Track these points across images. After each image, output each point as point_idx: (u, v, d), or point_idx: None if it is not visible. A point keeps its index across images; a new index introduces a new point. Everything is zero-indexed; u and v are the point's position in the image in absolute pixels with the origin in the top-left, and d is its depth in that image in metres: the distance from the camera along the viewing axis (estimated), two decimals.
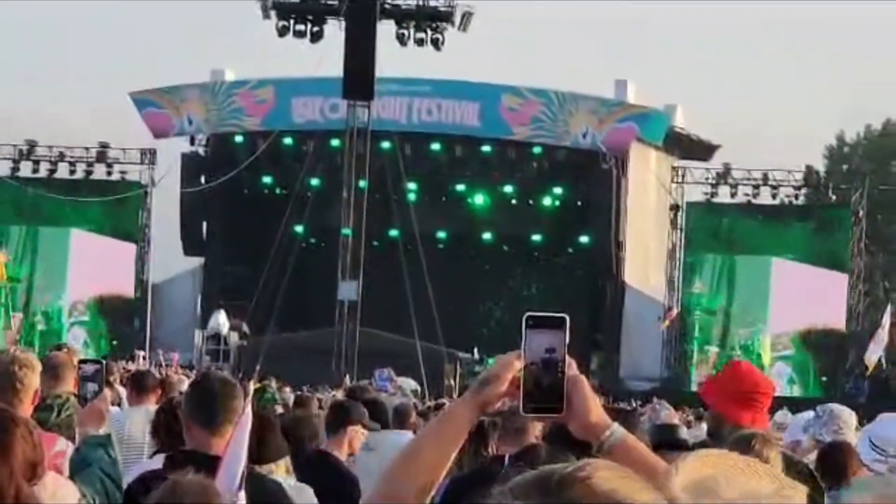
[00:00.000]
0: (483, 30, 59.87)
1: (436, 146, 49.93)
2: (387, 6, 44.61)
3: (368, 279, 43.82)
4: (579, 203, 50.22)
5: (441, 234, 50.83)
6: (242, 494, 4.44)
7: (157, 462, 5.60)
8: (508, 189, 50.73)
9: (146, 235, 49.81)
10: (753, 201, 47.26)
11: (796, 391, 44.32)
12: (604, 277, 49.98)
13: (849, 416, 7.64)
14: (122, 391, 11.55)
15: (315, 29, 45.62)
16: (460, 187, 51.01)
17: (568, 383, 2.71)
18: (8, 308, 47.81)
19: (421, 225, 45.38)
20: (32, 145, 49.27)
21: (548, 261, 51.86)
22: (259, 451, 5.68)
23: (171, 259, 51.37)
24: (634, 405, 27.27)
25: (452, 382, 40.18)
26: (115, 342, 48.27)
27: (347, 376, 36.31)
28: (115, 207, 48.96)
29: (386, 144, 46.97)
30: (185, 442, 5.49)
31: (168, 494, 4.03)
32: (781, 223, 46.84)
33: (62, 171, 49.30)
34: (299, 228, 47.69)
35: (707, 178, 48.26)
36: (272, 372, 29.41)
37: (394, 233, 46.83)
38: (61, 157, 49.26)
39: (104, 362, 7.80)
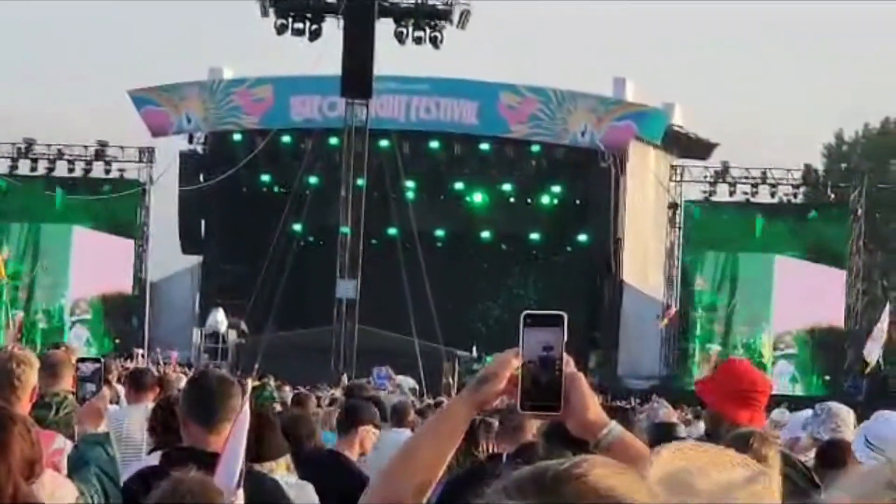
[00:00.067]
0: (481, 28, 59.92)
1: (434, 144, 49.91)
2: (385, 4, 44.61)
3: (367, 277, 43.81)
4: (578, 201, 50.21)
5: (439, 233, 50.82)
6: (241, 493, 4.44)
7: (155, 459, 5.60)
8: (507, 187, 50.71)
9: (144, 233, 49.78)
10: (752, 200, 47.26)
11: (799, 390, 44.07)
12: (602, 276, 49.99)
13: (847, 414, 7.64)
14: (121, 389, 11.55)
15: (313, 27, 45.61)
16: (459, 186, 51.00)
17: (566, 381, 2.71)
18: (8, 306, 47.76)
19: (419, 223, 45.40)
20: (30, 143, 49.24)
21: (546, 259, 51.85)
22: (258, 450, 5.69)
23: (169, 257, 51.36)
24: (634, 404, 27.29)
25: (451, 381, 40.17)
26: (117, 340, 48.23)
27: (345, 375, 36.31)
28: (114, 205, 48.92)
29: (384, 143, 46.98)
30: (183, 439, 5.50)
31: (170, 492, 4.03)
32: (780, 222, 46.83)
33: (60, 170, 49.26)
34: (297, 227, 47.70)
35: (705, 177, 48.26)
36: (270, 370, 29.41)
37: (392, 231, 46.84)
38: (59, 155, 49.23)
39: (102, 361, 7.80)
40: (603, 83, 51.10)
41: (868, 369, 35.80)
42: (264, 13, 45.75)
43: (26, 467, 4.65)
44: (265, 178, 51.37)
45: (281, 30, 45.76)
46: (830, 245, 46.60)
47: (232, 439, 4.56)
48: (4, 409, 4.92)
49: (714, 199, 47.74)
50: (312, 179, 48.72)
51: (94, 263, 47.77)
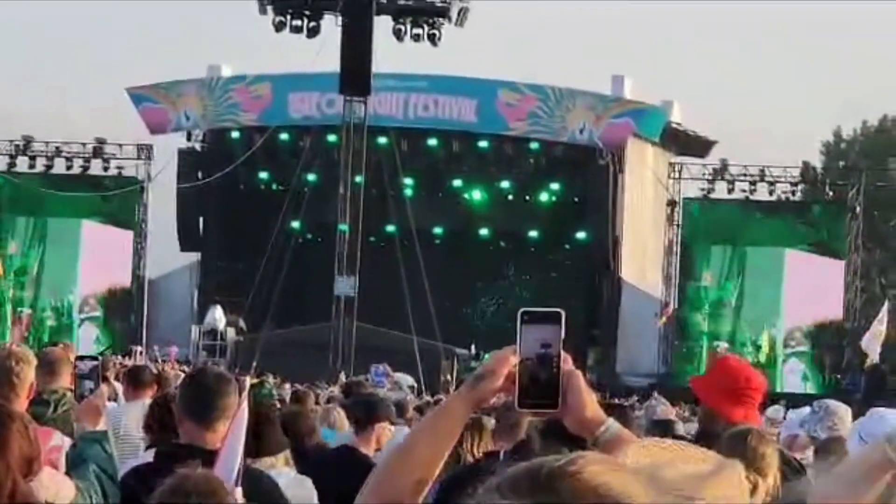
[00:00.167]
0: (480, 25, 59.85)
1: (432, 142, 49.89)
2: (383, 2, 44.56)
3: (365, 275, 43.78)
4: (576, 199, 50.19)
5: (438, 230, 50.79)
6: (239, 490, 4.44)
7: (151, 456, 5.61)
8: (505, 185, 50.69)
9: (143, 231, 49.74)
10: (750, 197, 47.25)
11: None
12: (601, 273, 49.98)
13: (845, 412, 7.65)
14: (119, 386, 11.55)
15: (312, 24, 45.57)
16: (457, 183, 50.98)
17: (563, 378, 2.71)
18: (14, 303, 47.62)
19: (418, 220, 45.40)
20: (29, 141, 49.20)
21: (544, 257, 51.81)
22: (258, 445, 5.70)
23: (167, 254, 51.32)
24: (633, 401, 27.29)
25: (449, 378, 40.19)
26: (125, 337, 48.06)
27: (343, 372, 36.33)
28: (112, 203, 48.90)
29: (382, 140, 46.96)
30: (179, 436, 5.51)
31: (175, 488, 4.01)
32: (778, 219, 46.80)
33: (59, 167, 49.22)
34: (296, 224, 47.69)
35: (704, 174, 48.26)
36: (269, 368, 29.43)
37: (390, 228, 46.81)
38: (58, 152, 49.19)
39: (101, 358, 7.81)
40: (601, 81, 51.14)
41: (866, 364, 35.82)
42: (263, 11, 45.72)
43: (25, 465, 4.65)
44: (263, 175, 51.35)
45: (279, 27, 45.72)
46: (829, 243, 46.59)
47: (230, 436, 4.56)
48: (3, 407, 4.93)
49: (712, 196, 47.74)
50: (311, 177, 48.69)
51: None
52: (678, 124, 52.20)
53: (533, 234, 51.32)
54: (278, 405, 14.21)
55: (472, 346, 44.42)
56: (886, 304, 36.44)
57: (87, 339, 46.78)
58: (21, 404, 6.06)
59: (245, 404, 4.68)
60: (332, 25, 44.62)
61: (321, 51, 44.47)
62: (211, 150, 51.30)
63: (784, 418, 15.17)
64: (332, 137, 47.76)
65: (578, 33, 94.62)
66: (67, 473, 5.52)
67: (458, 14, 45.24)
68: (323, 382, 29.59)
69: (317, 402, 15.33)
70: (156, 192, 49.82)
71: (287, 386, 22.65)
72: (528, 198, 50.75)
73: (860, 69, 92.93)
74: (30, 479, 4.70)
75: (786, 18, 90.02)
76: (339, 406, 12.01)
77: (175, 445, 5.45)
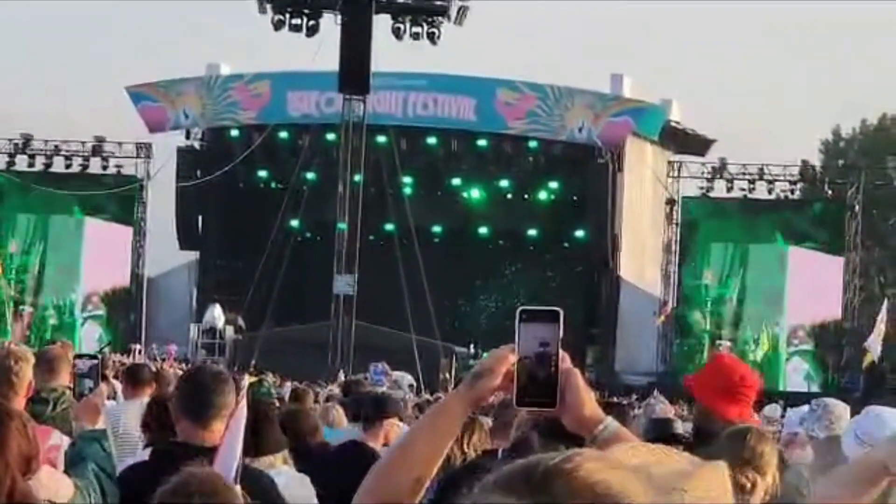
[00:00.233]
0: (479, 24, 59.84)
1: (431, 140, 49.89)
2: (383, 0, 44.57)
3: (364, 273, 43.79)
4: (575, 197, 50.18)
5: (436, 229, 50.79)
6: (237, 489, 4.43)
7: (148, 455, 5.63)
8: (504, 183, 50.69)
9: (142, 229, 49.76)
10: (749, 196, 47.26)
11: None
12: (599, 272, 49.98)
13: (843, 410, 7.63)
14: (118, 385, 11.55)
15: (311, 23, 45.55)
16: (456, 181, 50.99)
17: (561, 377, 2.71)
18: (15, 302, 47.52)
19: (416, 219, 45.41)
20: (28, 139, 49.20)
21: (543, 255, 51.83)
22: (256, 444, 5.69)
23: (166, 253, 51.32)
24: (632, 400, 27.30)
25: (448, 376, 40.20)
26: (124, 335, 48.02)
27: (342, 371, 36.33)
28: (111, 201, 48.89)
29: (381, 138, 46.96)
30: (176, 435, 5.51)
31: (180, 487, 4.01)
32: (777, 218, 46.80)
33: (58, 165, 49.22)
34: (295, 222, 47.70)
35: (703, 173, 48.29)
36: (267, 366, 29.42)
37: (389, 227, 46.82)
38: (57, 150, 49.20)
39: (100, 357, 7.80)
40: (600, 79, 51.12)
41: (865, 363, 35.84)
42: (262, 9, 45.69)
43: (23, 463, 4.65)
44: (262, 173, 51.35)
45: (278, 26, 45.70)
46: (828, 242, 46.59)
47: (229, 434, 4.56)
48: (2, 405, 4.92)
49: (711, 195, 47.74)
50: (310, 175, 48.69)
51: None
52: (677, 123, 52.20)
53: (532, 232, 51.32)
54: (277, 403, 14.21)
55: (471, 345, 44.42)
56: (886, 302, 36.47)
57: (90, 338, 46.70)
58: (20, 402, 6.06)
59: (244, 402, 4.68)
60: (331, 24, 44.64)
61: (320, 49, 44.50)
62: (210, 148, 51.29)
63: (782, 417, 15.18)
64: (331, 136, 47.77)
65: (577, 32, 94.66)
66: (66, 472, 5.52)
67: (458, 13, 45.23)
68: (322, 381, 29.59)
69: (316, 401, 15.31)
70: (155, 190, 49.86)
71: (288, 384, 22.64)
72: (526, 196, 50.76)
73: (859, 68, 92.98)
74: (28, 478, 4.69)
75: (785, 17, 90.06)
76: (338, 404, 12.00)
77: (171, 444, 5.46)
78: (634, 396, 31.48)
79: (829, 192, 47.95)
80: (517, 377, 2.71)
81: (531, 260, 51.95)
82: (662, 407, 13.67)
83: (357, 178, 44.53)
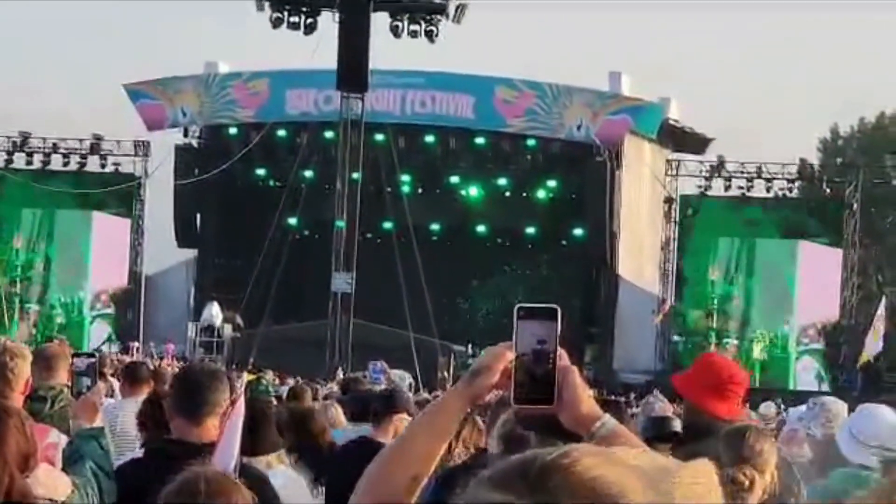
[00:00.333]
0: (477, 22, 59.78)
1: (430, 138, 49.89)
2: None
3: (362, 271, 43.79)
4: (573, 196, 50.18)
5: (435, 227, 50.80)
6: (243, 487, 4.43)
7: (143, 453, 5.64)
8: (502, 181, 50.69)
9: (140, 227, 49.74)
10: (747, 194, 47.27)
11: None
12: (598, 270, 49.98)
13: (840, 409, 7.64)
14: (116, 383, 11.55)
15: (309, 21, 45.55)
16: (454, 179, 50.99)
17: (559, 374, 2.71)
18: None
19: (415, 217, 45.39)
20: (26, 137, 49.19)
21: (541, 253, 51.84)
22: (252, 443, 5.69)
23: (164, 251, 51.31)
24: (631, 398, 27.31)
25: (446, 374, 40.18)
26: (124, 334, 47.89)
27: (340, 369, 36.33)
28: (109, 199, 48.85)
29: (380, 136, 46.94)
30: (171, 432, 5.53)
31: (186, 484, 4.00)
32: (775, 216, 46.79)
33: (56, 163, 49.20)
34: (293, 220, 47.69)
35: (701, 171, 48.30)
36: (265, 364, 29.40)
37: (387, 225, 46.81)
38: (55, 148, 49.19)
39: (98, 355, 7.80)
40: (599, 77, 51.10)
41: (860, 362, 35.85)
42: (260, 7, 45.69)
43: (21, 461, 4.65)
44: (260, 171, 51.34)
45: (277, 24, 45.69)
46: (826, 240, 46.57)
47: (227, 432, 4.56)
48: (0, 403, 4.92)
49: (710, 193, 47.74)
50: (308, 173, 48.68)
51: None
52: (675, 121, 52.19)
53: (530, 230, 51.32)
54: (275, 402, 14.20)
55: (469, 343, 44.41)
56: (884, 300, 36.47)
57: (99, 337, 46.60)
58: (16, 399, 6.06)
59: (242, 400, 4.69)
60: (329, 22, 44.63)
61: (318, 47, 44.49)
62: (208, 146, 51.28)
63: (777, 415, 15.18)
64: (329, 134, 47.77)
65: (575, 30, 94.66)
66: (64, 470, 5.52)
67: (456, 11, 45.22)
68: (320, 379, 29.58)
69: (314, 398, 15.30)
70: (153, 188, 49.87)
71: (290, 381, 22.62)
72: (525, 194, 50.77)
73: (857, 67, 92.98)
74: (26, 476, 4.69)
75: (784, 17, 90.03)
76: (336, 402, 11.99)
77: (165, 441, 5.47)
78: (633, 395, 31.49)
79: (828, 190, 47.95)
80: (515, 375, 2.71)
81: (529, 258, 51.96)
82: (661, 405, 13.65)
83: (355, 175, 44.53)
